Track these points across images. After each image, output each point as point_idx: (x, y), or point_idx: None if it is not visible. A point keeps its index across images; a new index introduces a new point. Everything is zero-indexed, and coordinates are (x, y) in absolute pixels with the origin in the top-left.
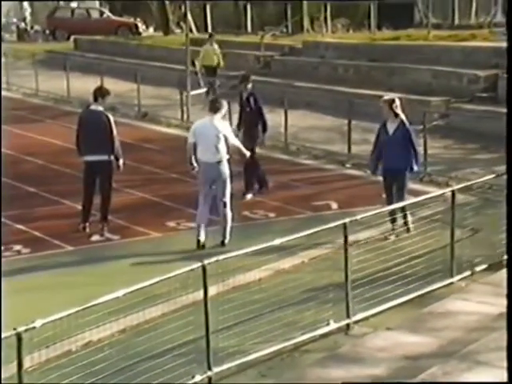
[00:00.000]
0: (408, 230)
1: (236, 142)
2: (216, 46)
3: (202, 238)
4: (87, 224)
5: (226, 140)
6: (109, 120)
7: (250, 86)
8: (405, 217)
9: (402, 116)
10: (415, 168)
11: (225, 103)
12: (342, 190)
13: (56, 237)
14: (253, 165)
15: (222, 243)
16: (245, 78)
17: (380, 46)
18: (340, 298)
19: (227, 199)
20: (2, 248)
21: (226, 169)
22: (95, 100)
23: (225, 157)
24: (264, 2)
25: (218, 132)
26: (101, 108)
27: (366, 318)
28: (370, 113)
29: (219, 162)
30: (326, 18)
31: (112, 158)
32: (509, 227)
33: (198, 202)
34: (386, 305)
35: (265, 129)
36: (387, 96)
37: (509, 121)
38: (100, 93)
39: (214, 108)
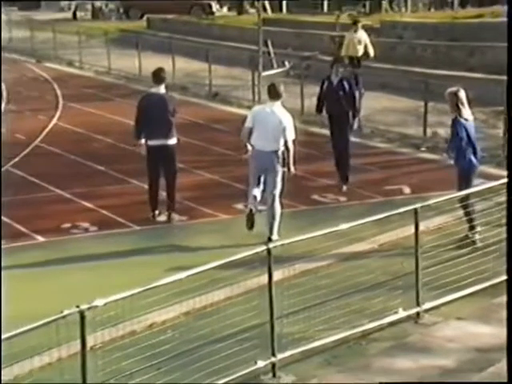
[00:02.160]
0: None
1: (291, 138)
2: (362, 34)
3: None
4: (157, 212)
5: (284, 131)
6: (173, 102)
7: (341, 69)
8: (465, 207)
9: (462, 110)
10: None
11: (283, 89)
12: (416, 174)
13: (123, 216)
14: (346, 155)
15: (270, 240)
16: (336, 60)
17: (461, 25)
18: (410, 286)
19: (277, 192)
20: (69, 225)
21: (279, 160)
22: (157, 82)
23: (280, 148)
24: None
25: (279, 121)
26: (163, 91)
27: (437, 307)
28: None
29: (274, 152)
30: None
31: (175, 141)
32: (509, 228)
33: (248, 191)
34: (458, 294)
35: (354, 115)
36: (452, 88)
37: (509, 121)
38: (161, 75)
39: (275, 94)
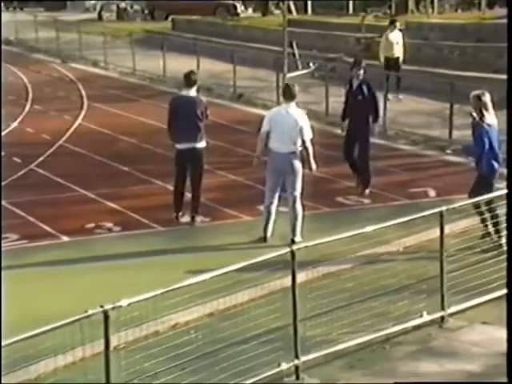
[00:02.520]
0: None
1: (309, 138)
2: (398, 35)
3: (269, 232)
4: (180, 214)
5: (301, 131)
6: (204, 106)
7: (361, 72)
8: (490, 210)
9: (485, 116)
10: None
11: (297, 90)
12: (441, 176)
13: (147, 216)
14: (365, 160)
15: (293, 242)
16: (356, 62)
17: (488, 26)
18: (435, 289)
19: (297, 193)
20: (93, 225)
21: (297, 161)
22: (188, 85)
23: (298, 148)
24: None
25: (294, 121)
26: (194, 93)
27: (462, 311)
28: None
29: (291, 153)
30: None
31: (204, 144)
32: (509, 230)
33: (264, 194)
34: (483, 298)
35: (376, 119)
36: (476, 91)
37: (509, 121)
38: (194, 78)
39: (290, 95)
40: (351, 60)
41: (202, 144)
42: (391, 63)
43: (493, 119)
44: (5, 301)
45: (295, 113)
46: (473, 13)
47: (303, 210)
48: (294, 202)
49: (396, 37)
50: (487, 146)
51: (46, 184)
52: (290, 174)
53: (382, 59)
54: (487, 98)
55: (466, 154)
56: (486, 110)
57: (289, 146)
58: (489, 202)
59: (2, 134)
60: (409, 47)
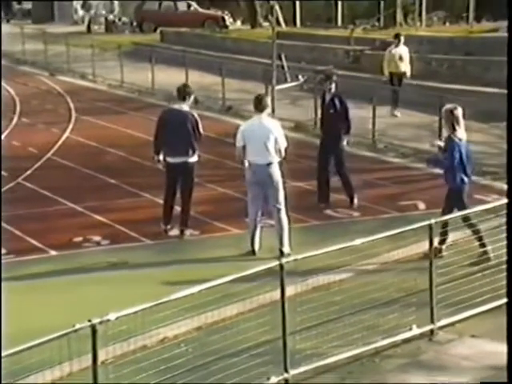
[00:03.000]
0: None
1: (284, 147)
2: (404, 50)
3: (257, 245)
4: (169, 227)
5: (276, 141)
6: (196, 121)
7: (333, 86)
8: (470, 226)
9: (457, 130)
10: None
11: (269, 100)
12: (431, 189)
13: (135, 230)
14: (343, 174)
15: (282, 253)
16: (327, 77)
17: (477, 39)
18: (424, 302)
19: (281, 204)
20: (81, 238)
21: (276, 171)
22: (181, 98)
23: (276, 158)
24: None
25: (268, 132)
26: (186, 107)
27: (451, 324)
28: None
29: (269, 164)
30: (421, 11)
31: (196, 159)
32: (509, 232)
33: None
34: (473, 311)
35: (348, 132)
36: (448, 105)
37: (509, 121)
38: (186, 91)
39: (260, 106)
40: (341, 72)
41: (193, 158)
42: (396, 78)
43: (463, 133)
44: None
45: (268, 123)
46: (461, 26)
47: (288, 221)
48: (278, 213)
49: (401, 51)
50: (457, 160)
51: (34, 197)
52: (270, 186)
53: (387, 74)
54: (459, 112)
55: (430, 165)
56: (458, 124)
57: (266, 157)
58: (466, 219)
59: None
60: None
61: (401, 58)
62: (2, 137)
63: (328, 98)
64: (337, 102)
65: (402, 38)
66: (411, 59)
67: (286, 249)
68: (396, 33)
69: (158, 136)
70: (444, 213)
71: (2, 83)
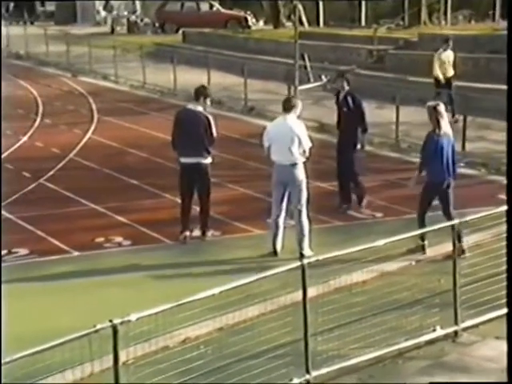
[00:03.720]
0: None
1: (308, 147)
2: (451, 53)
3: (279, 246)
4: (187, 233)
5: (300, 142)
6: (209, 121)
7: (345, 83)
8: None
9: (441, 124)
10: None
11: (299, 102)
12: (454, 189)
13: (157, 230)
14: (352, 175)
15: (301, 255)
16: (339, 74)
17: (502, 37)
18: (448, 303)
19: (303, 206)
20: (103, 239)
21: (300, 172)
22: (196, 99)
23: (300, 159)
24: None
25: (292, 133)
26: (200, 108)
27: (475, 326)
28: (487, 108)
29: (293, 165)
30: (446, 10)
31: (209, 160)
32: (509, 234)
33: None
34: (497, 312)
35: (365, 130)
36: (431, 102)
37: (509, 121)
38: (203, 93)
39: (288, 107)
40: (364, 72)
41: (207, 160)
42: (444, 82)
43: (447, 128)
44: (8, 316)
45: (292, 123)
46: (486, 24)
47: (310, 222)
48: (300, 214)
49: (448, 56)
50: (433, 153)
51: (56, 198)
52: (294, 186)
53: (442, 78)
54: (442, 108)
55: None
56: (442, 118)
57: (289, 158)
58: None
59: (12, 148)
60: (421, 59)
61: (449, 62)
62: (26, 138)
63: (341, 96)
64: (349, 100)
65: (451, 43)
66: (455, 63)
67: (307, 251)
68: (446, 37)
69: (174, 136)
70: (420, 206)
71: (26, 85)
